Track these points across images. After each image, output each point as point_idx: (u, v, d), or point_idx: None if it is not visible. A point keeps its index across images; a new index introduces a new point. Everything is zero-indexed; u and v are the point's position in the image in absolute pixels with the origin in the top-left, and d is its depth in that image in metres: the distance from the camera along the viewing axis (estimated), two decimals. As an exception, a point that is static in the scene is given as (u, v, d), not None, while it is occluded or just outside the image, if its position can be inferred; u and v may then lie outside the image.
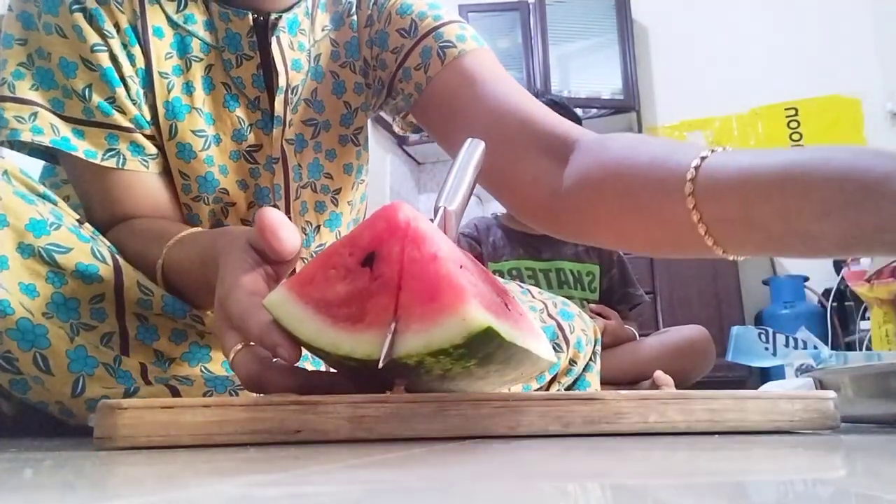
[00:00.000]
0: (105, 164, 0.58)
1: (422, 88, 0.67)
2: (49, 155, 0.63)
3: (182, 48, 0.60)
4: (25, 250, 0.48)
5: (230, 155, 0.63)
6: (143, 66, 0.59)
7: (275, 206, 0.65)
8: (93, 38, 0.57)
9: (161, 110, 0.60)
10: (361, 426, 0.33)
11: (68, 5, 0.57)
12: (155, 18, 0.59)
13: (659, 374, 1.25)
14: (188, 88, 0.60)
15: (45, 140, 0.56)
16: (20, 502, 0.20)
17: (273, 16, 0.62)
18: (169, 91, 0.60)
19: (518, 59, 3.33)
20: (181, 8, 0.60)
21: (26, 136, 0.55)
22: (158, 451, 0.32)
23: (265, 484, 0.23)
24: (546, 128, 0.59)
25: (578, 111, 3.24)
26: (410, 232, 0.36)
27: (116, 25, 0.58)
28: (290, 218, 0.65)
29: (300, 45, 0.65)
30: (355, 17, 0.69)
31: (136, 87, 0.59)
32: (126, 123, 0.59)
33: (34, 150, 0.61)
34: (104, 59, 0.57)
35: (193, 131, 0.60)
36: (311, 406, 0.33)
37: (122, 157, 0.59)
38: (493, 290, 0.39)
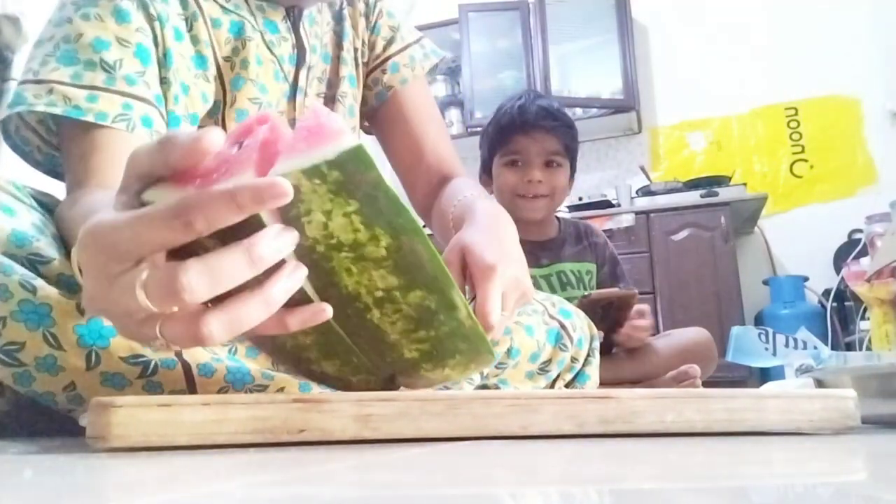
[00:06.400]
0: (114, 125, 0.59)
1: (406, 82, 0.84)
2: (55, 173, 0.68)
3: (237, 31, 0.70)
4: (12, 259, 0.48)
5: None
6: (204, 54, 0.68)
7: None
8: (139, 22, 0.62)
9: (227, 86, 0.69)
10: (368, 425, 0.32)
11: None
12: (212, 11, 0.68)
13: (686, 367, 1.24)
14: (244, 64, 0.70)
15: (58, 110, 0.57)
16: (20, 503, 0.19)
17: (296, 9, 0.75)
18: (232, 69, 0.69)
19: (518, 59, 3.32)
20: (228, 0, 0.70)
21: (38, 105, 0.57)
22: (157, 452, 0.31)
23: (265, 485, 0.22)
24: (433, 167, 0.82)
25: (578, 111, 3.25)
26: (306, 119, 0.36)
27: (168, 17, 0.65)
28: None
29: (315, 34, 0.77)
30: (346, 12, 0.82)
31: (186, 69, 0.66)
32: (147, 95, 0.61)
33: (43, 161, 0.67)
34: (144, 40, 0.62)
35: (250, 99, 0.70)
36: (315, 404, 0.32)
37: (132, 123, 0.60)
38: None
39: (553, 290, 1.44)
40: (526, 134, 1.42)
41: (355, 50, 0.82)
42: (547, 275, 1.45)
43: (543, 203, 1.44)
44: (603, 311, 1.26)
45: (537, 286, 1.43)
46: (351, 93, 0.82)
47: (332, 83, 0.80)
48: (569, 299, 1.41)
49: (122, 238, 0.33)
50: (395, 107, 0.84)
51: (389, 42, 0.84)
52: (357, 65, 0.83)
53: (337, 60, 0.80)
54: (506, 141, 1.45)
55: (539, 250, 1.47)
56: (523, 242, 1.63)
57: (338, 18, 0.82)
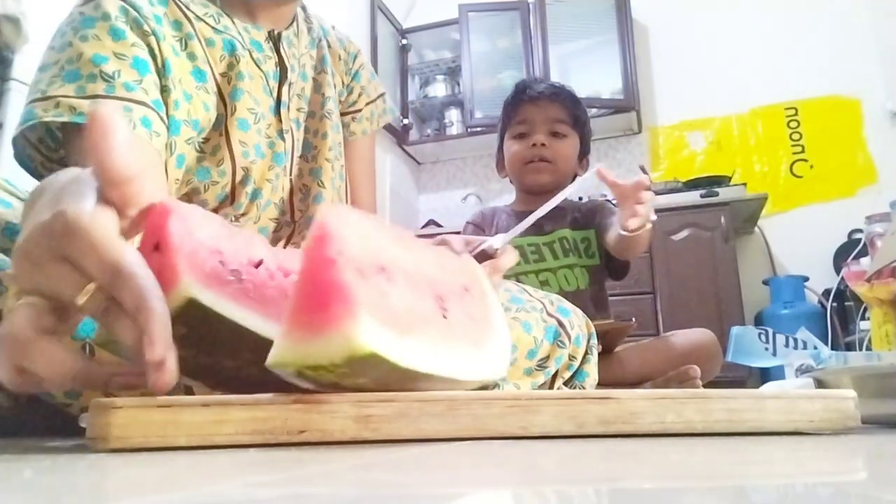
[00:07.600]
0: None
1: (366, 133, 0.95)
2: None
3: (230, 48, 0.76)
4: (4, 253, 0.49)
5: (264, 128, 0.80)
6: (203, 69, 0.73)
7: (284, 167, 0.82)
8: (133, 38, 0.67)
9: (227, 98, 0.75)
10: (368, 426, 0.32)
11: (113, 19, 0.66)
12: (204, 32, 0.74)
13: (686, 367, 1.23)
14: (240, 76, 0.76)
15: (64, 118, 0.61)
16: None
17: (276, 31, 0.81)
18: (229, 83, 0.75)
19: (518, 59, 3.32)
20: (218, 22, 0.76)
21: (47, 117, 0.61)
22: (157, 452, 0.31)
23: (265, 485, 0.22)
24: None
25: (578, 111, 3.25)
26: (317, 231, 0.35)
27: (164, 36, 0.69)
28: (290, 181, 0.82)
29: (293, 55, 0.84)
30: (326, 43, 0.90)
31: (187, 81, 0.71)
32: (144, 100, 0.65)
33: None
34: (139, 53, 0.66)
35: (248, 109, 0.76)
36: (315, 405, 0.32)
37: (132, 123, 0.63)
38: (432, 294, 0.38)
39: (556, 256, 1.46)
40: (532, 102, 1.49)
41: (333, 86, 0.90)
42: (550, 241, 1.47)
43: (546, 167, 1.47)
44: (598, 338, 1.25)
45: (540, 254, 1.45)
46: (336, 112, 0.89)
47: (314, 101, 0.87)
48: (571, 265, 1.43)
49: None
50: (345, 151, 0.92)
51: (363, 93, 0.94)
52: (335, 93, 0.91)
53: (316, 82, 0.88)
54: (514, 113, 1.51)
55: (542, 220, 1.47)
56: (527, 214, 1.64)
57: (316, 45, 0.89)
